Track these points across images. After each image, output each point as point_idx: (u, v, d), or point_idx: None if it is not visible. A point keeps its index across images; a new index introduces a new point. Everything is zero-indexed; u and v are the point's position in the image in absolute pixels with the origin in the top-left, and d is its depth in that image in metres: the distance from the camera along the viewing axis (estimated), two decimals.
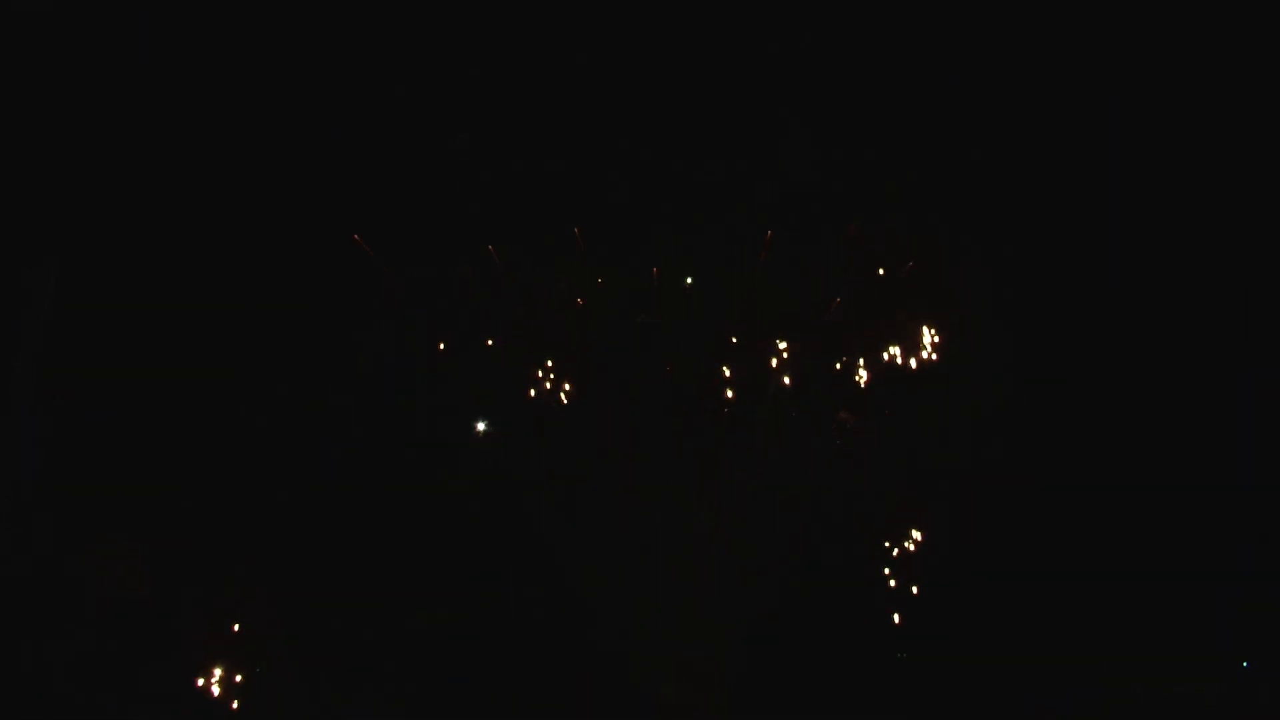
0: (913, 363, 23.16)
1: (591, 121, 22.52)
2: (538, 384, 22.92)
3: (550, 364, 22.91)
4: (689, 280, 22.97)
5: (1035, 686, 23.14)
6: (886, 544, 23.13)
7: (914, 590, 23.14)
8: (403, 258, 22.41)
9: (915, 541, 23.10)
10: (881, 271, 23.17)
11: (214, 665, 21.73)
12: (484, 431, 22.78)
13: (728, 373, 23.16)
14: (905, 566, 23.17)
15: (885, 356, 23.25)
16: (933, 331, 23.10)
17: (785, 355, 23.13)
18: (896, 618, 23.27)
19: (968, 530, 23.10)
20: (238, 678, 21.98)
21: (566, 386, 23.02)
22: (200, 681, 21.51)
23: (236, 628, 22.03)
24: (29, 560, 20.68)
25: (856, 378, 23.36)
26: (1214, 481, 23.03)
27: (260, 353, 22.23)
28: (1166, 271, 23.37)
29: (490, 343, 22.95)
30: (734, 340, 23.24)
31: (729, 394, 23.28)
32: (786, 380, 23.24)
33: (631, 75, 22.55)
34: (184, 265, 22.11)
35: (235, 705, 21.73)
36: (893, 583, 23.13)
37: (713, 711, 22.33)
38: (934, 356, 23.16)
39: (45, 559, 20.90)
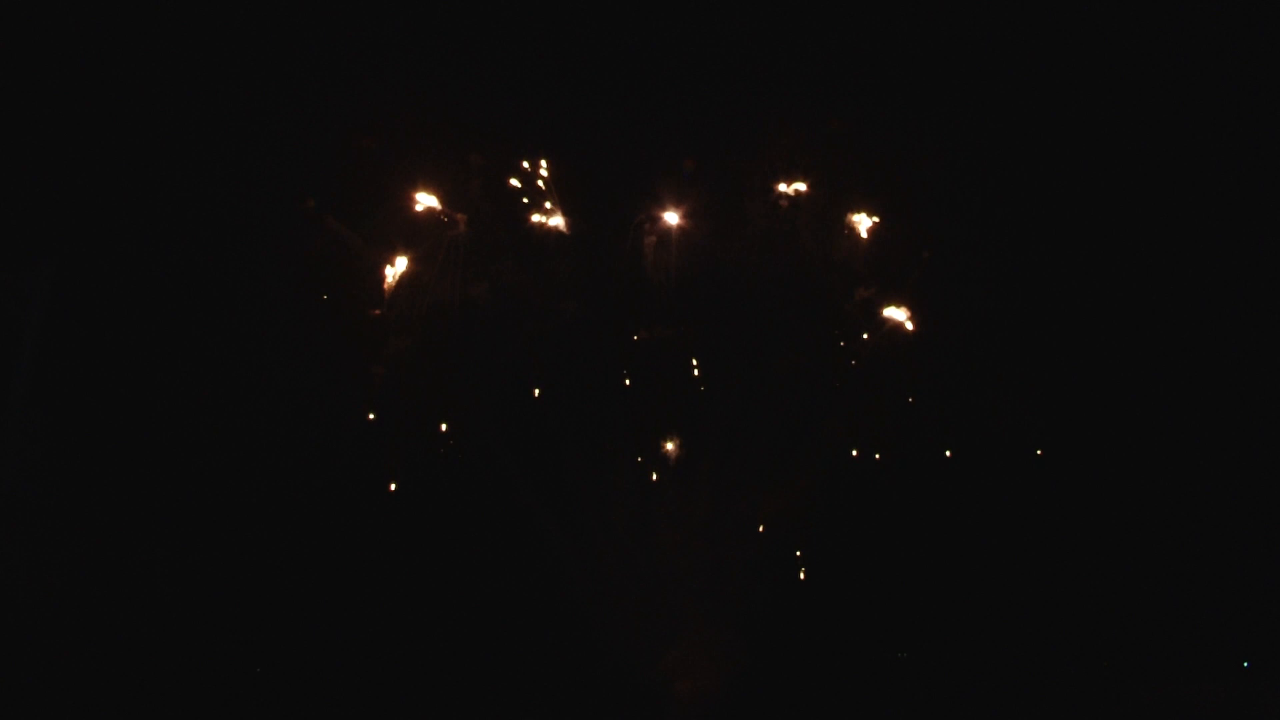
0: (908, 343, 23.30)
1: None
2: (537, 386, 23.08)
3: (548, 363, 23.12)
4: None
5: (1035, 687, 23.17)
6: (886, 545, 23.19)
7: (912, 590, 23.22)
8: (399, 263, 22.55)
9: (914, 542, 23.17)
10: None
11: (213, 665, 21.78)
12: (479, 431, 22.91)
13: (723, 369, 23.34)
14: (906, 567, 23.23)
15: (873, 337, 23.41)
16: (920, 321, 23.28)
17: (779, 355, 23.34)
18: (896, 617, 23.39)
19: (967, 530, 23.18)
20: (236, 678, 22.02)
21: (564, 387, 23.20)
22: (200, 681, 21.55)
23: (236, 627, 22.08)
24: (29, 559, 20.68)
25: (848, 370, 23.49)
26: (1215, 481, 23.07)
27: (259, 353, 22.24)
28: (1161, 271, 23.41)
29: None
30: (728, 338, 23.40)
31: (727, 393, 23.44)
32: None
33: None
34: (183, 266, 22.13)
35: (235, 705, 21.76)
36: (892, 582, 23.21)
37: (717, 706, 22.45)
38: (925, 352, 23.30)
39: (45, 557, 20.90)
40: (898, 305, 23.19)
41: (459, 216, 22.79)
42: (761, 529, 23.18)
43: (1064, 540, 23.17)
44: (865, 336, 23.29)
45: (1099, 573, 23.15)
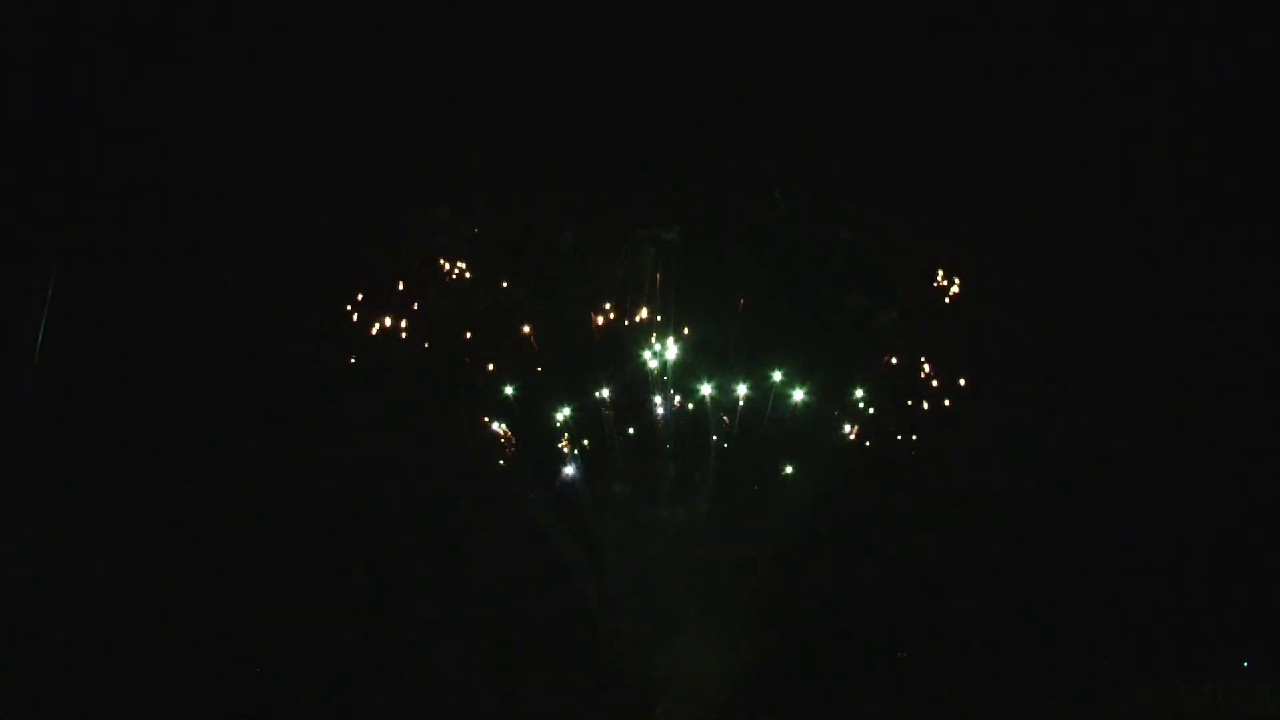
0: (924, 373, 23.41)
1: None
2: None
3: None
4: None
5: (1035, 687, 23.17)
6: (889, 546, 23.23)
7: (912, 590, 23.25)
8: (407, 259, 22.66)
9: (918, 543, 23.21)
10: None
11: (213, 665, 21.76)
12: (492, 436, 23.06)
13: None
14: (905, 567, 23.26)
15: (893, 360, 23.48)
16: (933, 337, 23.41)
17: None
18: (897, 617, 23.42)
19: (967, 530, 23.22)
20: (237, 678, 21.98)
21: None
22: (198, 682, 21.52)
23: (235, 627, 22.06)
24: (29, 559, 20.67)
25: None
26: (1214, 480, 23.09)
27: (262, 353, 22.27)
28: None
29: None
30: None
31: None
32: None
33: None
34: (184, 266, 22.16)
35: (235, 705, 21.74)
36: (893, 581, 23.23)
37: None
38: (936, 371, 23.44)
39: (45, 557, 20.88)
40: (889, 312, 23.38)
41: (468, 229, 22.99)
42: (760, 530, 23.23)
43: (1064, 540, 23.22)
44: (859, 343, 23.45)
45: (1099, 573, 23.18)
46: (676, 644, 22.41)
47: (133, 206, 22.15)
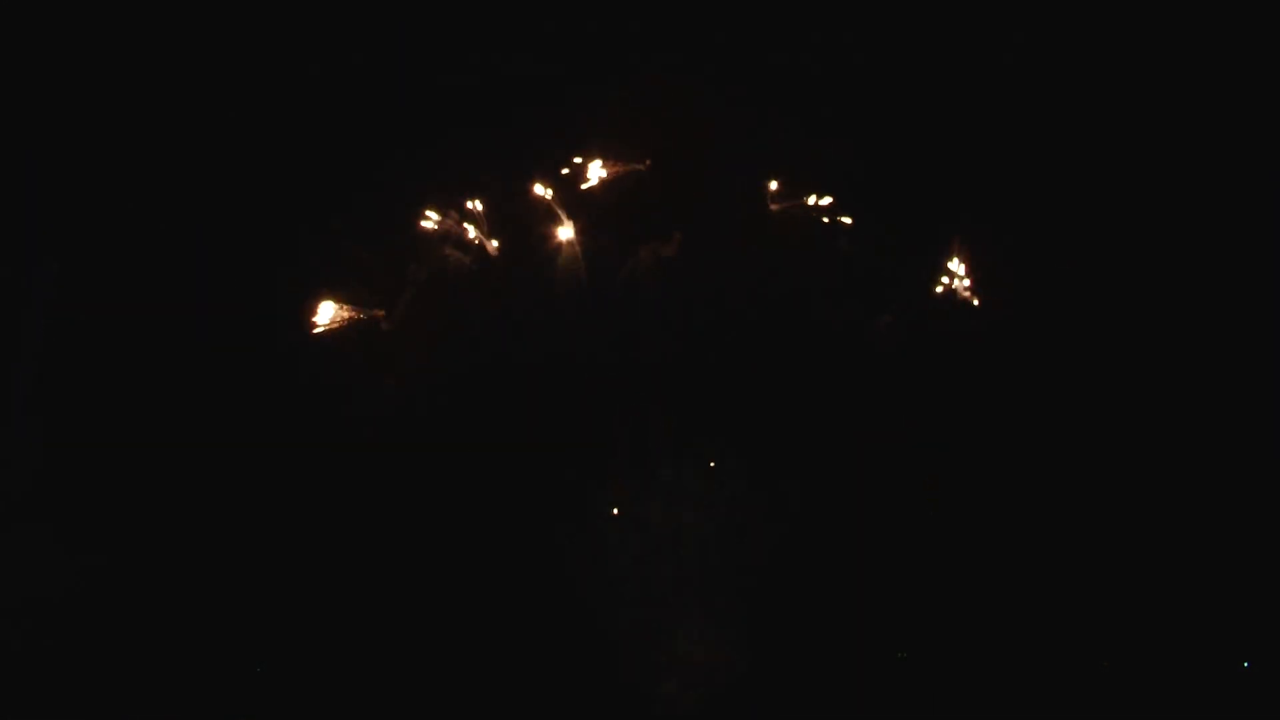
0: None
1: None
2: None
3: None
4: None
5: (1036, 687, 23.19)
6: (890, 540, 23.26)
7: (912, 590, 23.26)
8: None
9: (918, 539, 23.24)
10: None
11: (213, 665, 21.79)
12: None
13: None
14: (905, 567, 23.27)
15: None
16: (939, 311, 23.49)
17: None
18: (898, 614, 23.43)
19: (966, 530, 23.25)
20: (237, 679, 22.02)
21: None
22: (198, 682, 21.56)
23: (236, 629, 22.09)
24: (27, 562, 20.72)
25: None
26: (1213, 480, 23.09)
27: (264, 354, 22.32)
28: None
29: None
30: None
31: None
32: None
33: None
34: (187, 266, 22.20)
35: (235, 705, 21.76)
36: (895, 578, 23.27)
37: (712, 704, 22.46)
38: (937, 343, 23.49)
39: (44, 561, 20.92)
40: (887, 316, 23.42)
41: (468, 232, 23.02)
42: (758, 530, 23.26)
43: (1064, 539, 23.21)
44: (855, 344, 23.50)
45: (1098, 573, 23.17)
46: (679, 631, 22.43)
47: (137, 205, 22.24)
